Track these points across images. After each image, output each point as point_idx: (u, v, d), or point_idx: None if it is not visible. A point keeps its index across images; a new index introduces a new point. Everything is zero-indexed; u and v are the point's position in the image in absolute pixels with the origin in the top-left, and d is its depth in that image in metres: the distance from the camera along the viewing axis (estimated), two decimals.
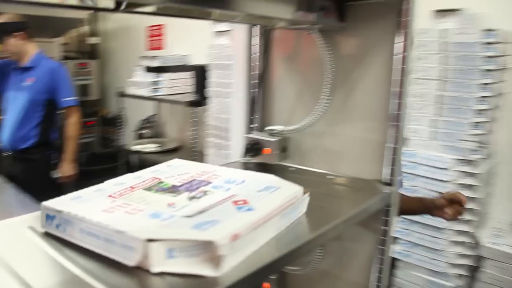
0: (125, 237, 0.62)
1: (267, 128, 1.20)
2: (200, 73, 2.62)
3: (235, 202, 0.73)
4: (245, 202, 0.73)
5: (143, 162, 3.30)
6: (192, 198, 0.74)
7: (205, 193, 0.76)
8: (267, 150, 1.16)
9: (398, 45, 0.99)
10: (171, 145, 3.34)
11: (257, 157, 1.18)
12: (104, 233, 0.64)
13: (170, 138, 3.59)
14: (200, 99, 2.61)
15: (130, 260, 0.61)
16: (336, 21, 1.00)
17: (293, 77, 1.19)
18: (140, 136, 3.60)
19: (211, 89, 2.42)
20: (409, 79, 1.04)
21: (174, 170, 0.88)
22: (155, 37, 3.63)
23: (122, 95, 3.30)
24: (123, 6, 0.65)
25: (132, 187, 0.79)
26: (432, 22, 1.78)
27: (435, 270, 1.84)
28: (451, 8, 1.76)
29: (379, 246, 1.17)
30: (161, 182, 0.81)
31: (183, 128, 3.41)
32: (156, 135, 3.65)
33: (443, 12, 1.76)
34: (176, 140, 3.44)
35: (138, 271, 0.61)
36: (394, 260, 1.91)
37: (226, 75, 2.26)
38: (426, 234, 1.84)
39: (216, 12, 0.89)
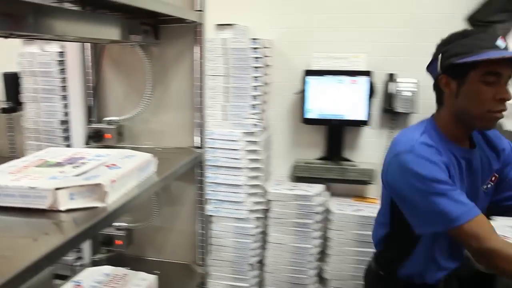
0: (37, 190, 0.94)
1: (105, 119, 1.56)
2: (11, 80, 2.67)
3: (107, 166, 1.10)
4: (113, 164, 1.11)
5: None
6: (75, 167, 1.08)
7: (83, 163, 1.11)
8: (108, 136, 1.52)
9: (196, 54, 1.48)
10: None
11: (100, 142, 1.53)
12: (19, 192, 0.94)
13: None
14: (14, 106, 2.67)
15: (44, 205, 0.94)
16: (153, 39, 1.43)
17: (122, 79, 1.57)
18: None
19: (27, 95, 2.54)
20: (205, 76, 1.53)
21: (54, 153, 1.18)
22: None
23: None
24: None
25: (25, 166, 1.08)
26: (216, 33, 2.34)
27: (240, 217, 2.41)
28: (228, 23, 2.35)
29: (198, 205, 1.66)
30: (47, 161, 1.12)
31: None
32: None
33: (223, 26, 2.35)
34: None
35: (50, 212, 0.94)
36: (210, 216, 2.43)
37: (45, 81, 2.42)
38: (230, 192, 2.39)
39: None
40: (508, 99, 1.11)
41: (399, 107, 2.45)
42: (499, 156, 1.30)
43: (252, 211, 2.43)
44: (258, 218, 2.46)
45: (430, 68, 1.26)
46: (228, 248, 2.47)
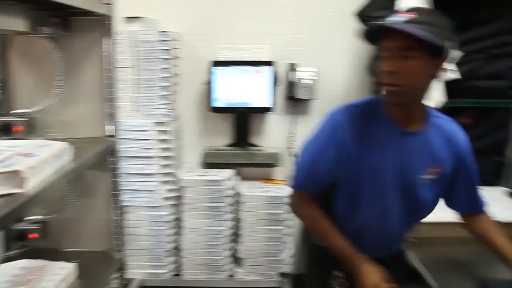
0: None
1: (14, 111, 1.54)
2: None
3: (23, 155, 1.13)
4: (29, 153, 1.14)
5: None
6: None
7: None
8: (17, 128, 1.51)
9: (106, 46, 1.52)
10: None
11: (9, 135, 1.51)
12: None
13: None
14: None
15: None
16: (63, 32, 1.45)
17: (32, 71, 1.57)
18: None
19: None
20: (115, 68, 1.58)
21: None
22: None
23: None
24: None
25: None
26: (125, 26, 2.36)
27: (154, 206, 2.47)
28: (137, 16, 2.38)
29: (112, 192, 1.71)
30: None
31: None
32: None
33: (131, 19, 2.37)
34: None
35: None
36: (125, 206, 2.44)
37: None
38: (143, 181, 2.43)
39: None
40: (387, 70, 1.13)
41: (301, 94, 2.66)
42: (450, 151, 1.29)
43: (166, 198, 2.50)
44: (172, 205, 2.54)
45: None
46: (144, 236, 2.51)
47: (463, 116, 2.42)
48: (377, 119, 1.24)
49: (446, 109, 2.15)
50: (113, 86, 1.60)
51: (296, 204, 1.40)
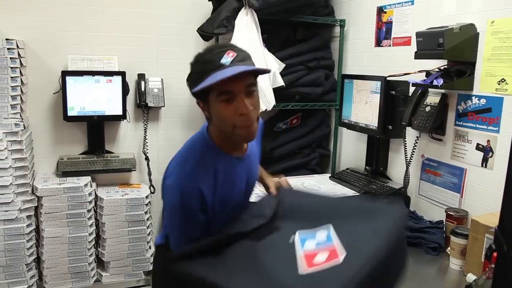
0: None
1: None
2: None
3: None
4: None
5: None
6: None
7: None
8: None
9: None
10: None
11: None
12: None
13: None
14: None
15: None
16: None
17: None
18: None
19: None
20: None
21: None
22: None
23: None
24: None
25: None
26: None
27: (10, 218, 2.37)
28: None
29: None
30: None
31: None
32: None
33: None
34: None
35: None
36: None
37: None
38: None
39: None
40: (246, 113, 1.13)
41: (150, 102, 2.86)
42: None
43: (22, 210, 2.43)
44: (29, 216, 2.47)
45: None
46: (0, 252, 2.38)
47: (295, 117, 2.97)
48: (216, 159, 1.23)
49: (277, 112, 2.60)
50: None
51: None
